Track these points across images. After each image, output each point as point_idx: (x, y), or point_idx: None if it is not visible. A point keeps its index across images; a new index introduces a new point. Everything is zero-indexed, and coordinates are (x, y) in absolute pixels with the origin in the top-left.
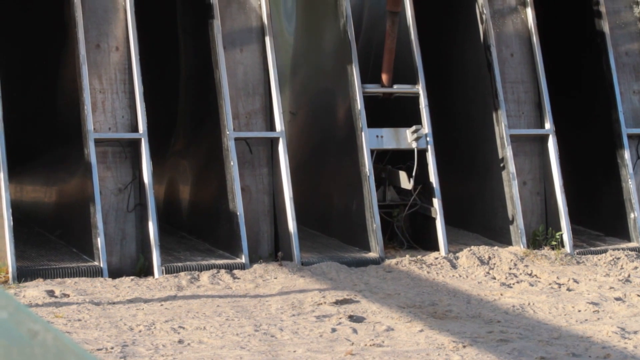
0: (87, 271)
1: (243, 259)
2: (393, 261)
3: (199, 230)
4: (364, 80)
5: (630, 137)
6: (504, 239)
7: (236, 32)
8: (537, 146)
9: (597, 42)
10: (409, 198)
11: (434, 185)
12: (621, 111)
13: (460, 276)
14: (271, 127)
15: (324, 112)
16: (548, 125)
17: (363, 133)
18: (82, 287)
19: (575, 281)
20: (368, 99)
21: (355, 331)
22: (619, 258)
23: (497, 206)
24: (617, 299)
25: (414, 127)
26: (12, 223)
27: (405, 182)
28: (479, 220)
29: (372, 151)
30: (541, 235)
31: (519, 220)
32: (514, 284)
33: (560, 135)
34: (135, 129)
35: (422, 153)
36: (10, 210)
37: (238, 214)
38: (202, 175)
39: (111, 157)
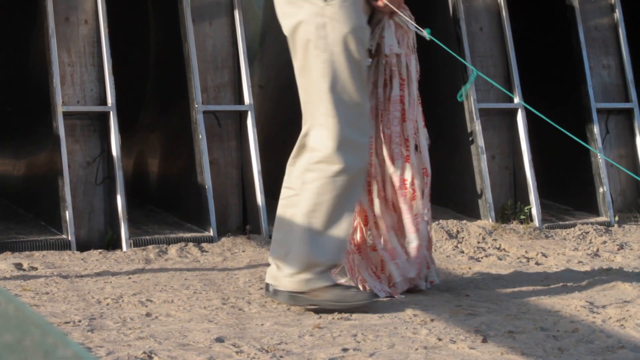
0: (55, 244)
1: (211, 232)
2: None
3: (167, 203)
4: None
5: (599, 111)
6: (473, 213)
7: (205, 6)
8: (506, 120)
9: (567, 16)
10: None
11: None
12: (590, 85)
13: None
14: (240, 100)
15: (293, 85)
16: (517, 99)
17: None
18: (50, 260)
19: (544, 255)
20: None
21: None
22: (587, 232)
23: (466, 180)
24: (586, 273)
25: None
26: None
27: None
28: (448, 194)
29: None
30: (510, 209)
31: (488, 194)
32: (482, 257)
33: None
34: (104, 102)
35: None
36: None
37: (206, 187)
38: (171, 148)
39: (80, 130)
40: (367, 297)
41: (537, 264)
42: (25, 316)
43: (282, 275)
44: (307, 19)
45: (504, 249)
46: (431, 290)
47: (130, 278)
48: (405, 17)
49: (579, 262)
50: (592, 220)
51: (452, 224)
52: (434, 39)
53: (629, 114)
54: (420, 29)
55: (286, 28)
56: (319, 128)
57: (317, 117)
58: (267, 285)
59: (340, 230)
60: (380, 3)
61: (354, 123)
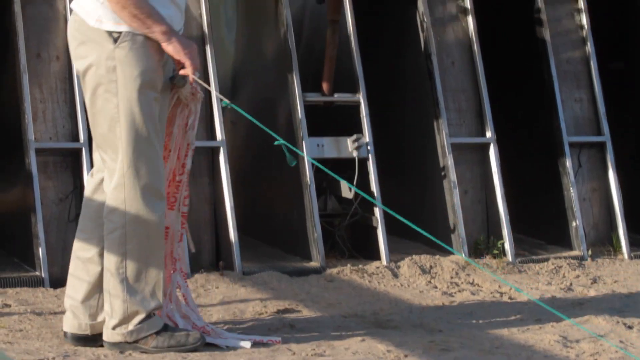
0: (28, 281)
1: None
2: (334, 270)
3: None
4: (305, 89)
5: (571, 145)
6: (446, 248)
7: None
8: (478, 155)
9: (539, 49)
10: (350, 207)
11: (375, 194)
12: (562, 119)
13: (402, 285)
14: (212, 136)
15: (265, 121)
16: (489, 134)
17: (304, 142)
18: (23, 297)
19: (518, 290)
20: (309, 108)
21: (297, 341)
22: (560, 267)
23: (439, 215)
24: (559, 307)
25: (354, 136)
26: None
27: (347, 191)
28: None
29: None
30: (483, 244)
31: (461, 229)
32: (455, 292)
33: (502, 143)
34: (76, 138)
35: (363, 162)
36: None
37: None
38: None
39: (52, 167)
40: (196, 339)
41: (510, 298)
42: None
43: (106, 328)
44: (97, 62)
45: (477, 284)
46: (404, 325)
47: None
48: (202, 82)
49: (553, 296)
50: (565, 254)
51: (425, 259)
52: (234, 106)
53: (601, 147)
54: (222, 96)
55: (79, 70)
56: (113, 174)
57: (110, 162)
58: (65, 332)
59: (151, 274)
60: (184, 72)
61: (149, 167)
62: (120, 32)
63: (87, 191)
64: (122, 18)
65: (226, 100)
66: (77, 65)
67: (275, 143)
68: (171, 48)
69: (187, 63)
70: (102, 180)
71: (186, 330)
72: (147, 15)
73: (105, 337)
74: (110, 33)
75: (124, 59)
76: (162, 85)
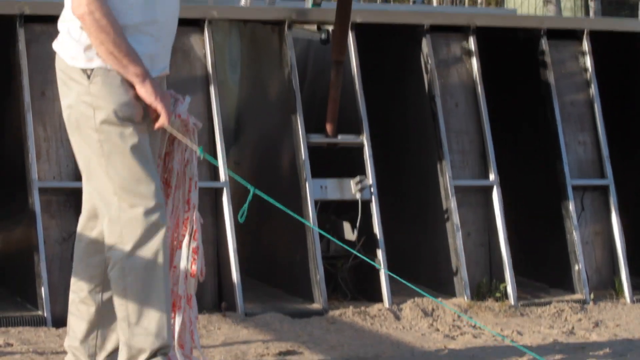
0: (31, 320)
1: None
2: (337, 312)
3: None
4: (309, 130)
5: (575, 188)
6: (448, 290)
7: (180, 81)
8: (481, 197)
9: (542, 92)
10: (353, 249)
11: (378, 237)
12: (566, 162)
13: (404, 328)
14: (215, 177)
15: (269, 162)
16: (492, 176)
17: (307, 183)
18: (25, 337)
19: (519, 333)
20: (312, 149)
21: None
22: (563, 310)
23: (442, 257)
24: (561, 351)
25: (357, 178)
26: None
27: (349, 233)
28: (423, 272)
29: (316, 202)
30: (485, 287)
31: (463, 272)
32: (457, 335)
33: (505, 184)
34: (79, 177)
35: (367, 204)
36: None
37: None
38: None
39: (55, 206)
40: None
41: (512, 342)
42: None
43: None
44: (76, 99)
45: (479, 327)
46: None
47: None
48: (175, 130)
49: (555, 340)
50: (568, 298)
51: (427, 302)
52: (206, 155)
53: (604, 190)
54: (194, 145)
55: (63, 109)
56: (107, 209)
57: (101, 199)
58: None
59: (154, 310)
60: (158, 124)
61: (142, 198)
62: (92, 69)
63: (78, 227)
64: (99, 53)
65: (200, 148)
66: (62, 104)
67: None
68: (144, 91)
69: (161, 110)
70: (88, 218)
71: None
72: (124, 54)
73: None
74: (84, 70)
75: (98, 94)
76: (142, 115)
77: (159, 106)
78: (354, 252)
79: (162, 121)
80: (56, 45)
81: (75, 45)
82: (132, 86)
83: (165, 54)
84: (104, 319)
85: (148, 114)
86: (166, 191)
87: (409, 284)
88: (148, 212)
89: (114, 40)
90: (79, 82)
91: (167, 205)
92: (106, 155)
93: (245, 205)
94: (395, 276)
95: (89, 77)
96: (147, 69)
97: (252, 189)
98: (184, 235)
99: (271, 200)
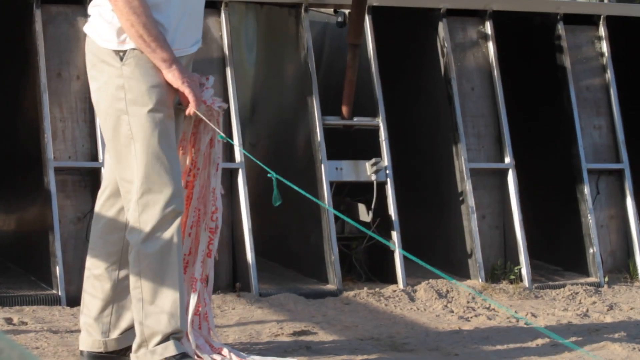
0: (45, 299)
1: None
2: (351, 293)
3: None
4: (325, 112)
5: (590, 172)
6: (463, 273)
7: (197, 63)
8: (496, 180)
9: (559, 76)
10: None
11: (393, 218)
12: (581, 146)
13: (418, 309)
14: (231, 158)
15: (284, 143)
16: (508, 159)
17: (323, 165)
18: (40, 315)
19: (534, 315)
20: (328, 131)
21: None
22: (577, 293)
23: (456, 240)
24: (575, 333)
25: (373, 160)
26: None
27: (364, 214)
28: (437, 254)
29: (331, 183)
30: (500, 269)
31: (478, 254)
32: (472, 317)
33: (521, 168)
34: (95, 158)
35: (382, 186)
36: None
37: None
38: None
39: (71, 186)
40: None
41: (526, 324)
42: None
43: (132, 352)
44: (107, 81)
45: (493, 309)
46: (420, 349)
47: None
48: (201, 113)
49: (569, 322)
50: (582, 280)
51: (441, 284)
52: (227, 138)
53: (619, 174)
54: (218, 130)
55: (92, 92)
56: (130, 192)
57: (126, 182)
58: (81, 351)
59: (167, 294)
60: (190, 111)
61: (164, 184)
62: (125, 50)
63: (97, 206)
64: (129, 35)
65: (222, 134)
66: (91, 87)
67: (268, 175)
68: (170, 76)
69: (189, 95)
70: (109, 196)
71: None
72: (153, 38)
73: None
74: (116, 52)
75: (131, 76)
76: (173, 100)
77: (186, 91)
78: (369, 232)
79: (192, 107)
80: (87, 28)
81: (108, 27)
82: None
83: (195, 27)
84: (119, 296)
85: (176, 99)
86: (192, 172)
87: (423, 263)
88: (167, 199)
89: (144, 23)
90: (110, 64)
91: (193, 187)
92: (133, 138)
93: (275, 191)
94: (410, 256)
95: (121, 58)
96: (174, 55)
97: (273, 175)
98: (198, 214)
99: (287, 182)
